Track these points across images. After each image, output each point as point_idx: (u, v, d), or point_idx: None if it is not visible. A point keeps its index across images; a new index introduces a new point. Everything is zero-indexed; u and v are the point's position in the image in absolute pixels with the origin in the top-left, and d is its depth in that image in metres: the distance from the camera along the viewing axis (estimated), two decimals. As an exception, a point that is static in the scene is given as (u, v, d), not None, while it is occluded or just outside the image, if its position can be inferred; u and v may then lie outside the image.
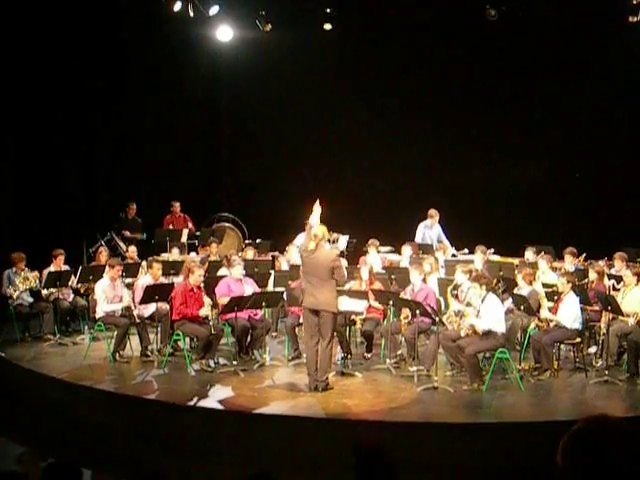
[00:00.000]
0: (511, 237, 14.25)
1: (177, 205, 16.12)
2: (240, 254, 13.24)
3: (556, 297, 10.41)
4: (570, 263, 12.25)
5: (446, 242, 14.77)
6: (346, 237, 14.13)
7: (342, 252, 13.43)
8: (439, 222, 15.04)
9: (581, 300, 10.23)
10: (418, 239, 14.84)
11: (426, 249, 14.05)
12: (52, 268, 12.27)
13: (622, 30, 14.48)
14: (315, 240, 9.43)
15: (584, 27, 14.49)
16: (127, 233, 15.49)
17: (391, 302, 10.63)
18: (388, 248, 14.47)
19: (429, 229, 15.03)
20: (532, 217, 15.79)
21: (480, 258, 12.68)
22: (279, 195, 17.04)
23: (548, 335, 10.04)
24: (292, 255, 13.34)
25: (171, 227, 15.80)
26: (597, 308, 10.57)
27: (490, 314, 9.58)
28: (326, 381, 9.50)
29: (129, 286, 11.96)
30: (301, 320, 10.26)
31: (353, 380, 9.99)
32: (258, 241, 15.34)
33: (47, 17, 13.50)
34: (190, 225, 16.09)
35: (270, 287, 11.85)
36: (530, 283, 10.99)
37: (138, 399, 9.25)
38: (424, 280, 11.19)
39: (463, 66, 15.98)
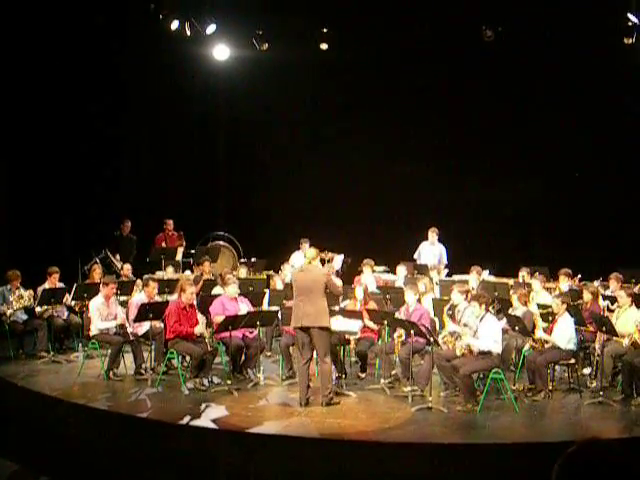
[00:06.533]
0: (506, 257, 14.28)
1: (170, 223, 16.07)
2: (234, 273, 13.23)
3: (551, 318, 10.42)
4: (565, 284, 12.26)
5: (443, 262, 14.82)
6: (341, 256, 14.15)
7: (337, 271, 13.48)
8: (444, 243, 15.09)
9: (576, 321, 10.22)
10: (415, 256, 14.95)
11: (421, 269, 14.08)
12: (47, 285, 12.25)
13: (618, 51, 14.56)
14: (307, 259, 9.86)
15: (580, 49, 14.54)
16: (117, 257, 15.38)
17: (386, 322, 10.63)
18: (383, 268, 14.49)
19: (431, 245, 15.10)
20: (527, 238, 15.83)
21: (475, 278, 12.72)
22: (275, 214, 17.05)
23: (543, 356, 10.04)
24: (287, 274, 13.34)
25: (164, 245, 15.75)
26: (592, 329, 10.55)
27: (488, 334, 9.58)
28: (330, 395, 9.56)
29: (123, 304, 11.94)
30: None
31: (347, 400, 9.95)
32: (253, 260, 15.33)
33: (44, 37, 13.54)
34: (183, 242, 16.06)
35: (265, 306, 11.84)
36: (525, 304, 11.01)
37: (131, 417, 9.20)
38: (419, 300, 11.21)
39: (460, 86, 16.07)
